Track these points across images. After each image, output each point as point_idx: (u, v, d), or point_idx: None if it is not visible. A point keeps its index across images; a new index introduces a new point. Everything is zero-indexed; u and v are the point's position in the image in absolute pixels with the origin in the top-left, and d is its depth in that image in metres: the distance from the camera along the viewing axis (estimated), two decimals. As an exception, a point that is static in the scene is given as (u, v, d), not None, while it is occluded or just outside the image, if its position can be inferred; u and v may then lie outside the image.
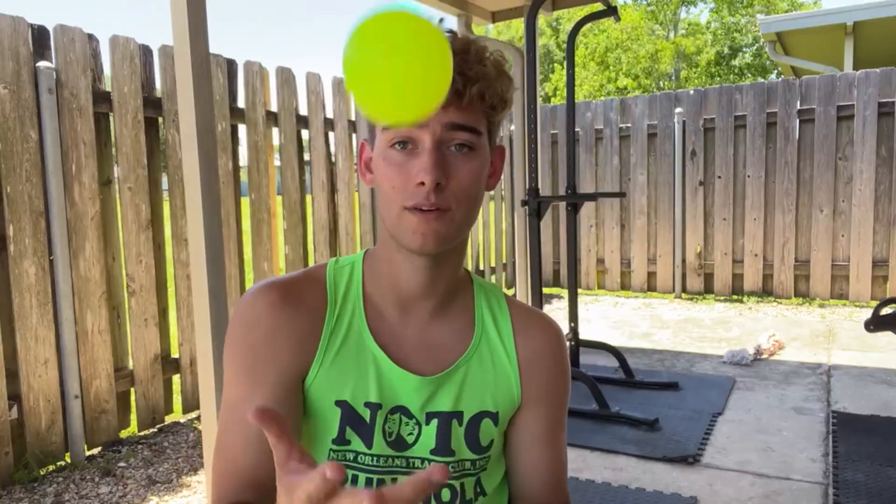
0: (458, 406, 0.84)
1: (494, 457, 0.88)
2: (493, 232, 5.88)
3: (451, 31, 0.76)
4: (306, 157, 3.85)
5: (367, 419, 0.81)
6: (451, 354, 0.86)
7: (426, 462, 0.83)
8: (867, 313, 3.60)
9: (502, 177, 6.00)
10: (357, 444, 0.81)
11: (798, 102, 5.24)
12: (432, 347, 0.86)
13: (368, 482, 0.81)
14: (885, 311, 2.64)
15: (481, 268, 5.70)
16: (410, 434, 0.83)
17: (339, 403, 0.81)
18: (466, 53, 0.76)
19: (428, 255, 0.80)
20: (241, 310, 0.83)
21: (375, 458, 0.82)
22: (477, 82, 0.75)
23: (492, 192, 6.29)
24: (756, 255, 5.49)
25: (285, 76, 3.60)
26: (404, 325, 0.86)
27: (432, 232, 0.76)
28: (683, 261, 5.77)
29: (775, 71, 22.01)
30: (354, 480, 0.81)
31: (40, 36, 2.52)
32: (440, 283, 0.85)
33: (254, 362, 0.80)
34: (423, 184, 0.75)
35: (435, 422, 0.83)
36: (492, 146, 0.83)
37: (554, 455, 0.91)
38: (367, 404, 0.81)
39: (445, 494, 0.84)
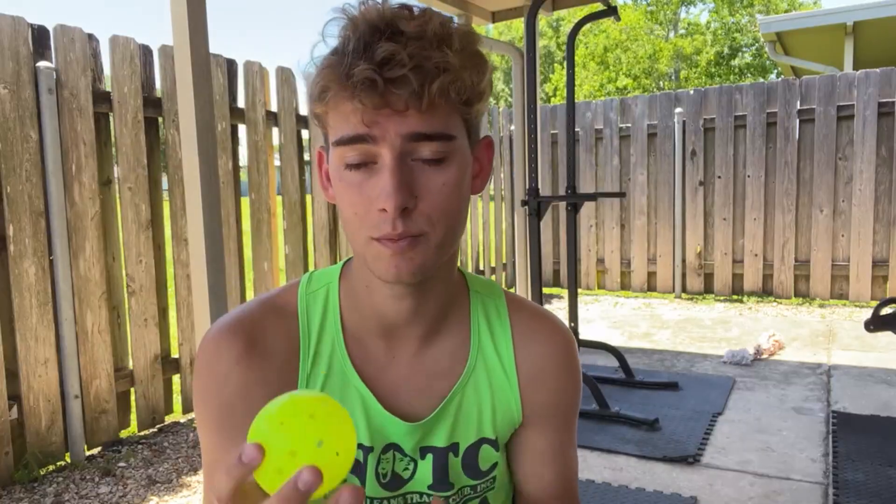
0: (454, 438, 0.78)
1: (500, 476, 0.83)
2: (493, 232, 5.88)
3: (402, 5, 0.65)
4: (306, 157, 3.85)
5: (361, 459, 0.76)
6: (445, 382, 0.78)
7: (424, 496, 0.78)
8: (867, 313, 3.60)
9: (502, 176, 6.02)
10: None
11: (798, 102, 5.24)
12: (423, 379, 0.78)
13: None
14: (885, 311, 2.64)
15: (481, 268, 5.70)
16: (406, 469, 0.78)
17: None
18: (421, 38, 0.62)
19: (406, 285, 0.71)
20: (205, 361, 0.74)
21: (370, 501, 0.77)
22: (438, 76, 0.62)
23: (491, 192, 6.29)
24: (756, 255, 5.49)
25: (285, 76, 3.60)
26: (391, 356, 0.77)
27: (407, 261, 0.66)
28: (683, 261, 5.77)
29: (775, 71, 22.02)
30: None
31: (40, 36, 2.52)
32: (427, 308, 0.76)
33: (228, 421, 0.72)
34: (385, 210, 0.64)
35: (430, 457, 0.78)
36: (473, 142, 0.72)
37: (561, 466, 0.84)
38: (358, 446, 0.75)
39: None
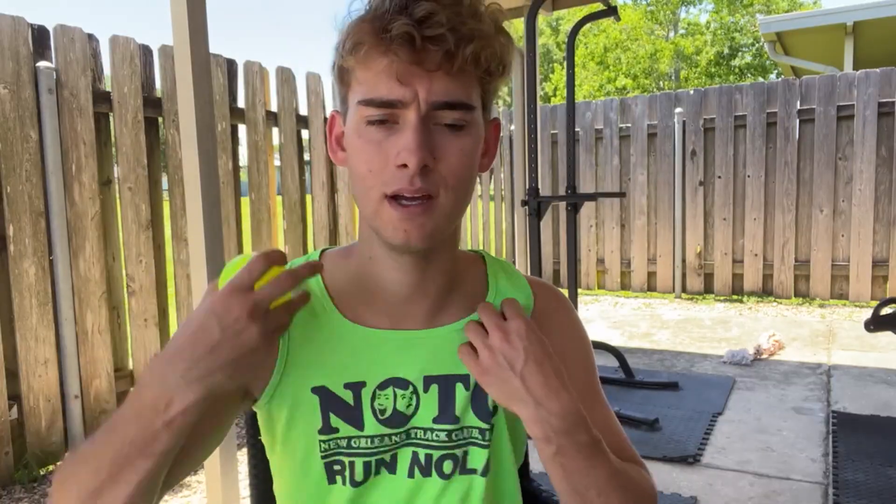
0: (463, 368, 0.75)
1: (501, 427, 0.78)
2: (493, 232, 5.88)
3: None
4: (306, 157, 3.85)
5: (351, 401, 0.74)
6: (457, 313, 0.78)
7: (428, 432, 0.76)
8: (867, 313, 3.60)
9: (502, 176, 6.02)
10: (346, 429, 0.74)
11: (798, 102, 5.24)
12: (430, 305, 0.77)
13: (367, 466, 0.75)
14: (885, 311, 2.64)
15: (481, 268, 5.69)
16: (409, 406, 0.75)
17: (315, 391, 0.74)
18: (458, 5, 0.66)
19: (414, 252, 0.71)
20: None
21: (370, 440, 0.75)
22: (472, 41, 0.65)
23: (491, 192, 6.28)
24: (756, 255, 5.49)
25: (285, 76, 3.60)
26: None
27: (417, 227, 0.67)
28: (683, 261, 5.77)
29: (775, 71, 22.02)
30: (352, 467, 0.74)
31: (40, 36, 2.52)
32: (432, 283, 0.76)
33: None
34: (405, 166, 0.65)
35: (435, 388, 0.75)
36: (486, 120, 0.73)
37: (595, 420, 0.74)
38: (346, 385, 0.74)
39: (447, 466, 0.76)
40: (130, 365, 2.91)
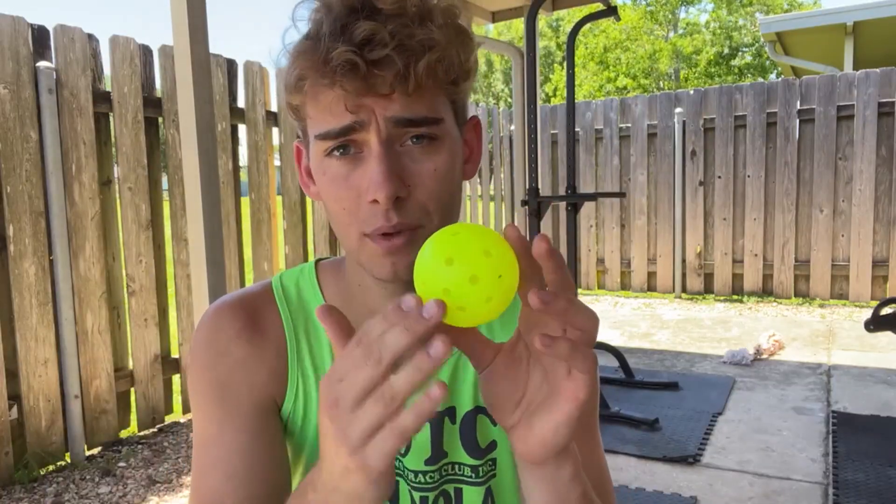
0: (450, 402, 0.72)
1: (505, 463, 0.75)
2: (493, 232, 5.88)
3: None
4: (306, 157, 3.84)
5: None
6: None
7: (418, 475, 0.73)
8: (867, 313, 3.60)
9: (502, 176, 6.02)
10: None
11: (798, 102, 5.24)
12: None
13: None
14: (885, 311, 2.65)
15: (481, 268, 5.69)
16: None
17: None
18: (402, 15, 0.58)
19: (405, 282, 0.64)
20: (204, 334, 0.71)
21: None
22: (424, 55, 0.57)
23: (491, 192, 6.28)
24: (756, 255, 5.49)
25: (285, 76, 3.60)
26: None
27: (404, 259, 0.61)
28: (683, 261, 5.77)
29: (775, 71, 22.02)
30: None
31: (40, 36, 2.52)
32: None
33: (227, 392, 0.69)
34: (377, 201, 0.59)
35: (426, 426, 0.72)
36: (460, 124, 0.67)
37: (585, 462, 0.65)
38: None
39: None
40: (130, 365, 2.91)
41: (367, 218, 0.61)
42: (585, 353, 0.47)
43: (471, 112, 0.70)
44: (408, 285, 0.65)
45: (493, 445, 0.75)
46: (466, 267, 0.45)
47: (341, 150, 0.61)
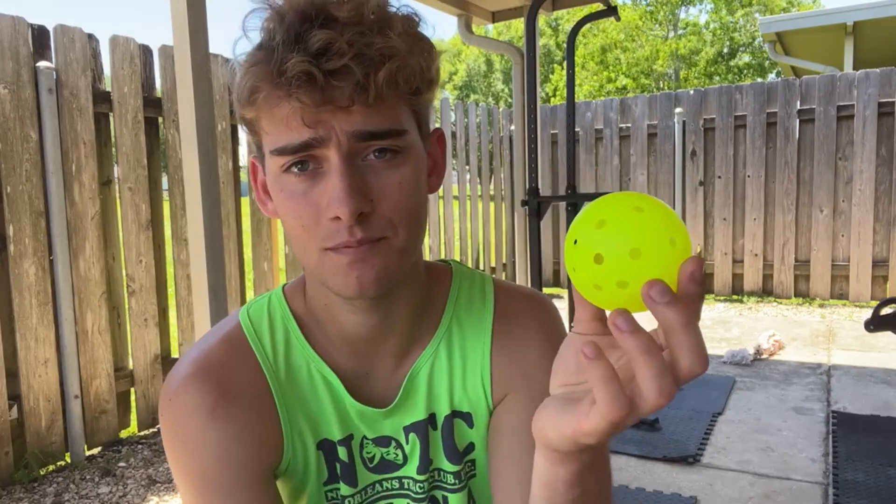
0: (431, 408, 0.72)
1: (482, 461, 0.75)
2: (493, 232, 5.88)
3: None
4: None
5: (344, 455, 0.71)
6: (428, 335, 0.72)
7: (417, 483, 0.73)
8: (867, 313, 3.59)
9: (502, 176, 6.02)
10: (343, 488, 0.71)
11: (798, 102, 5.24)
12: (399, 340, 0.71)
13: None
14: (885, 311, 2.64)
15: (481, 267, 5.70)
16: (396, 457, 0.73)
17: (319, 446, 0.70)
18: (359, 23, 0.55)
19: (372, 298, 0.62)
20: (173, 421, 0.65)
21: (362, 493, 0.72)
22: (384, 64, 0.55)
23: (491, 192, 6.27)
24: (756, 255, 5.49)
25: (285, 76, 3.60)
26: (364, 375, 0.71)
27: (369, 269, 0.59)
28: (683, 261, 5.76)
29: (775, 71, 22.02)
30: None
31: (40, 36, 2.52)
32: (397, 320, 0.68)
33: (212, 482, 0.65)
34: (339, 218, 0.57)
35: (414, 438, 0.72)
36: (424, 136, 0.64)
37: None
38: (340, 441, 0.71)
39: None
40: (130, 365, 2.91)
41: (328, 234, 0.58)
42: (662, 390, 0.44)
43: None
44: (375, 302, 0.64)
45: (470, 447, 0.74)
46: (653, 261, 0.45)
47: (300, 167, 0.58)
